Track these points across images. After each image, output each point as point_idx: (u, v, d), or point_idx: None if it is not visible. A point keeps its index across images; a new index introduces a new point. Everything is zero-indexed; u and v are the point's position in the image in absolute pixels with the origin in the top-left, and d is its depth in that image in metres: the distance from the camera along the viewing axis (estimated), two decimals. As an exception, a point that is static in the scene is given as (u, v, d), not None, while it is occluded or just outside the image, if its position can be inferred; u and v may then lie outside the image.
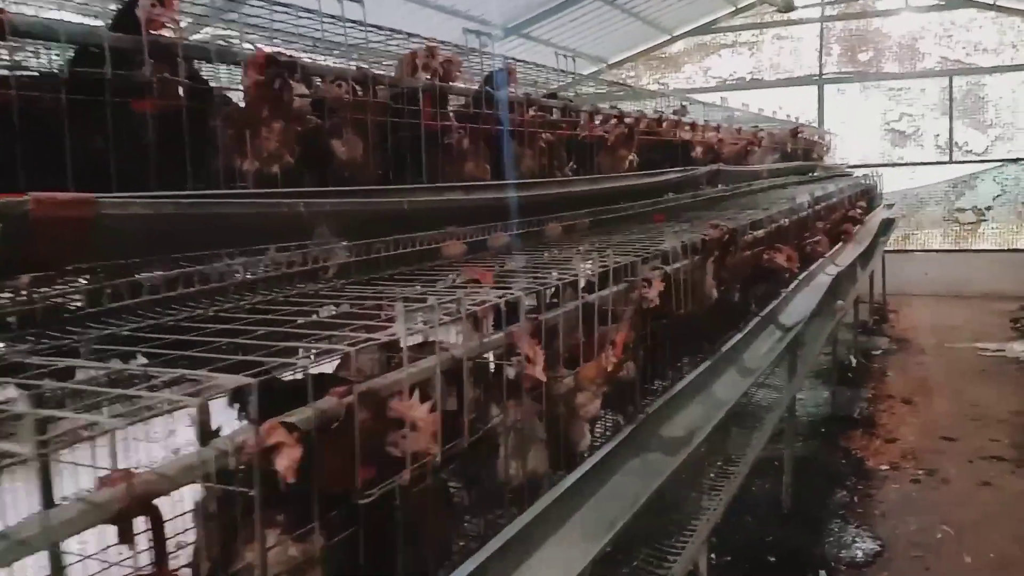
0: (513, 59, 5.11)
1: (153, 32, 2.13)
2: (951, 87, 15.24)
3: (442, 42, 3.27)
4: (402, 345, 1.47)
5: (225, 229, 1.91)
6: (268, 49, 2.20)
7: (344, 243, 2.21)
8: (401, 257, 2.55)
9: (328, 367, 1.81)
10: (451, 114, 3.29)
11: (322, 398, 1.38)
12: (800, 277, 5.33)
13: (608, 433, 2.61)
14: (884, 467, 6.92)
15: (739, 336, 3.82)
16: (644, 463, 2.51)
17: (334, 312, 1.76)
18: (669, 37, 16.97)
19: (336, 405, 1.36)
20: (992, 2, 14.50)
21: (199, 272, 1.81)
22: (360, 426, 1.44)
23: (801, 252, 4.73)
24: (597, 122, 4.87)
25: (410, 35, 2.93)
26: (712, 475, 3.49)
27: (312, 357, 1.38)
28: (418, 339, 1.89)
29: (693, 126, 6.43)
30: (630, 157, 4.77)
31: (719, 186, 6.22)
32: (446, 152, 3.10)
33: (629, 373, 2.78)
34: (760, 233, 4.23)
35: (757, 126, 8.59)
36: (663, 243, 2.99)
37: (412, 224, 2.84)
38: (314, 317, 1.70)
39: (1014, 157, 14.93)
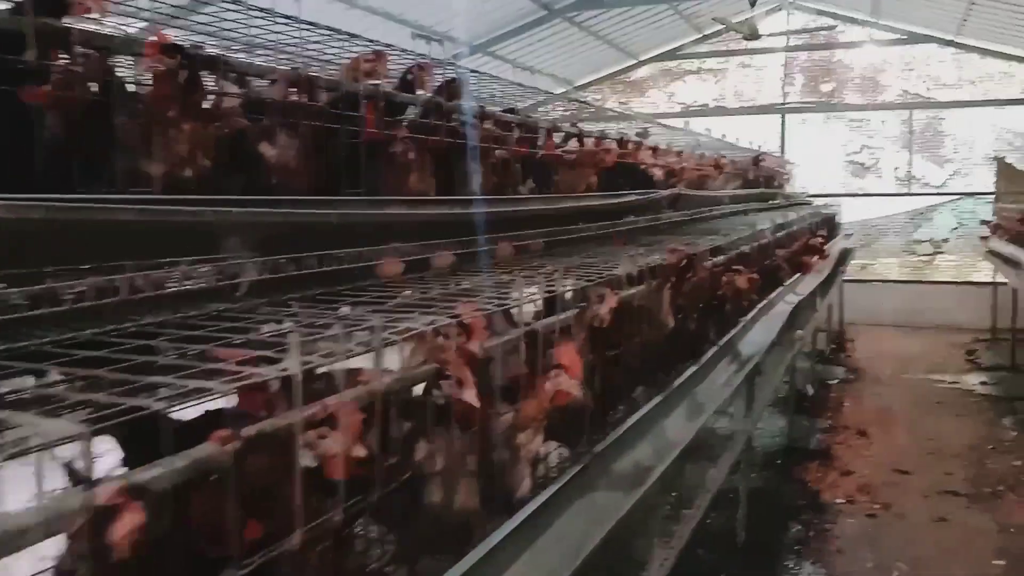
0: (474, 71, 4.96)
1: (82, 16, 1.92)
2: (911, 120, 15.43)
3: (392, 48, 3.07)
4: (295, 381, 1.26)
5: (114, 239, 1.68)
6: (172, 37, 1.97)
7: (258, 259, 1.99)
8: (329, 275, 2.33)
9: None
10: (399, 124, 3.09)
11: (201, 443, 1.16)
12: (760, 306, 5.20)
13: (553, 472, 2.40)
14: (840, 501, 6.80)
15: (695, 368, 3.65)
16: (591, 507, 2.31)
17: (231, 338, 1.53)
18: (635, 61, 16.99)
19: (216, 453, 1.14)
20: (951, 39, 14.71)
21: (81, 286, 1.58)
22: (249, 476, 1.22)
23: (761, 279, 4.60)
24: (558, 140, 4.71)
25: (352, 36, 2.72)
26: (664, 517, 3.30)
27: (177, 397, 1.16)
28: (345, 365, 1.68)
29: (655, 150, 6.30)
30: (590, 178, 4.60)
31: (680, 211, 6.09)
32: (389, 164, 2.90)
33: (578, 406, 2.59)
34: (720, 259, 4.08)
35: (720, 152, 8.51)
36: (617, 267, 2.81)
37: (348, 240, 2.63)
38: (212, 343, 1.48)
39: (970, 191, 15.12)
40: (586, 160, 4.62)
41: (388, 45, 2.92)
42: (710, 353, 3.98)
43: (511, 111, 4.52)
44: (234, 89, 2.59)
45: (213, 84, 2.32)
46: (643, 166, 5.97)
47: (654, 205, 5.37)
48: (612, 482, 2.45)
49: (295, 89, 2.45)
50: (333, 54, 2.85)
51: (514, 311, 2.11)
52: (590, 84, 17.16)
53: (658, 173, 6.34)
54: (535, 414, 2.05)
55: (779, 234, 6.18)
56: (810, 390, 10.09)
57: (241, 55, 2.70)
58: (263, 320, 1.74)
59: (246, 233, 1.96)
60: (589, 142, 4.91)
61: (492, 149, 3.69)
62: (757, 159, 9.97)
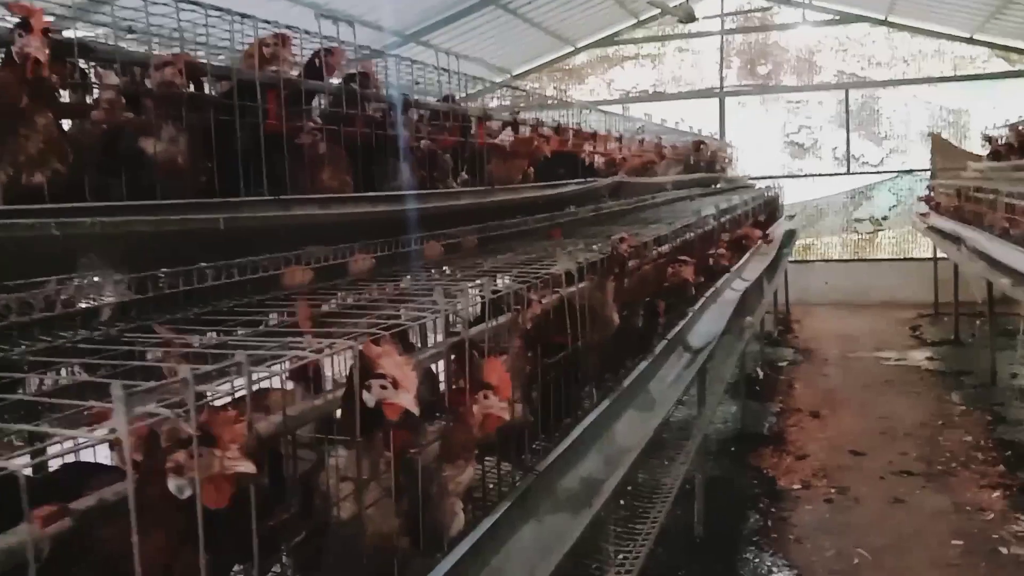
0: (407, 59, 4.64)
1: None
2: (847, 100, 15.51)
3: (301, 31, 2.77)
4: (126, 444, 0.98)
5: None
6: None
7: (120, 276, 1.69)
8: (219, 290, 2.04)
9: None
10: (306, 114, 2.79)
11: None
12: (707, 295, 5.00)
13: (492, 496, 2.14)
14: (796, 487, 6.69)
15: (644, 365, 3.42)
16: (537, 536, 2.06)
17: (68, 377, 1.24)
18: (572, 49, 16.79)
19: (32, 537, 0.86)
20: (884, 18, 14.81)
21: None
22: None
23: (708, 266, 4.41)
24: (493, 129, 4.45)
25: (244, 16, 2.41)
26: (619, 532, 3.07)
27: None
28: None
29: (595, 136, 6.08)
30: (526, 168, 4.35)
31: (622, 199, 5.88)
32: (296, 159, 2.60)
33: (517, 420, 2.33)
34: (665, 248, 3.87)
35: (660, 138, 8.34)
36: (554, 264, 2.56)
37: (248, 247, 2.32)
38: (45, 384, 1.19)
39: (907, 168, 15.26)
40: (521, 149, 4.36)
41: (289, 27, 2.61)
42: (660, 347, 3.76)
43: (448, 99, 4.25)
44: (112, 79, 2.28)
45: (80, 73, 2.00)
46: (582, 154, 5.74)
47: (594, 195, 5.14)
48: (559, 503, 2.21)
49: (178, 77, 2.14)
50: (228, 38, 2.53)
51: (436, 323, 1.85)
52: (528, 72, 16.91)
53: (599, 161, 6.12)
54: (463, 441, 1.79)
55: (723, 219, 6.00)
56: (760, 373, 10.03)
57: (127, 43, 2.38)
58: (113, 354, 1.43)
59: (109, 246, 1.66)
60: (524, 131, 4.65)
61: (417, 140, 3.41)
62: (697, 144, 9.82)
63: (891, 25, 15.03)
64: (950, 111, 15.26)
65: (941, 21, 14.28)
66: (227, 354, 1.35)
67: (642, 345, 3.72)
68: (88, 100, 2.08)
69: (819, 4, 15.25)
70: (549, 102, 9.39)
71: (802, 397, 9.16)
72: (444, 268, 2.68)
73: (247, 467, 1.07)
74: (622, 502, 4.17)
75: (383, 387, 1.44)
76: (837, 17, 15.34)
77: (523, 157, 4.35)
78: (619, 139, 6.85)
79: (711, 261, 4.87)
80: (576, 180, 5.03)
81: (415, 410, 1.45)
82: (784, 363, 10.75)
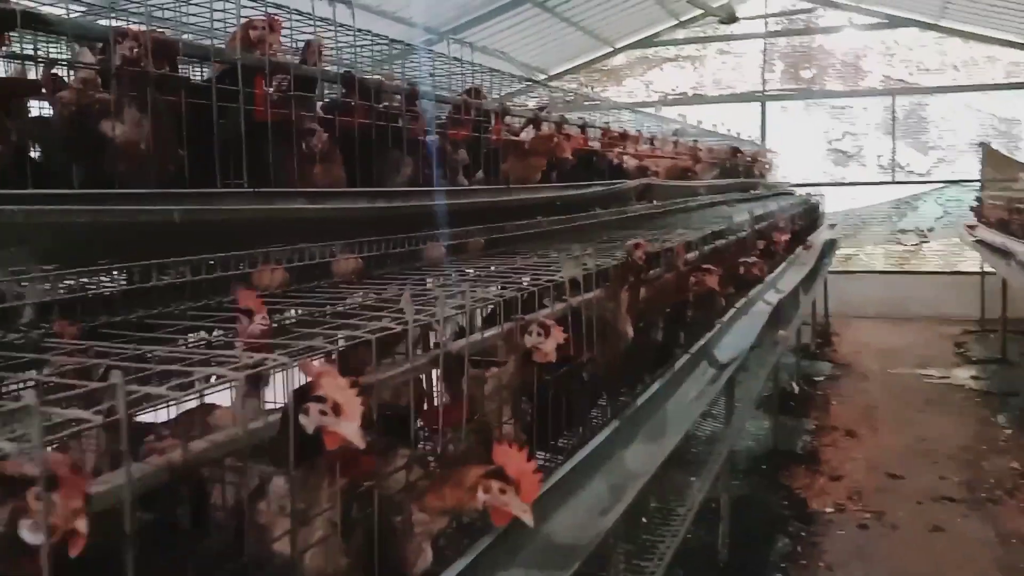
0: (444, 56, 4.43)
1: None
2: (894, 107, 15.02)
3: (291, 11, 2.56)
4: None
5: None
6: None
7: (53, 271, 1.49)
8: (176, 289, 1.83)
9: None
10: (304, 104, 2.58)
11: None
12: (737, 306, 4.72)
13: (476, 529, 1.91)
14: (829, 510, 6.36)
15: (660, 383, 3.16)
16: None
17: None
18: (611, 49, 16.51)
19: None
20: (934, 22, 14.31)
21: None
22: None
23: (738, 276, 4.13)
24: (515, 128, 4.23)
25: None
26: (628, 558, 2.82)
27: None
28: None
29: (624, 136, 5.82)
30: (544, 166, 4.11)
31: (651, 202, 5.61)
32: (284, 150, 2.39)
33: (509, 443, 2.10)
34: (691, 255, 3.60)
35: (696, 140, 8.04)
36: (562, 271, 2.32)
37: (229, 242, 2.12)
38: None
39: (955, 179, 14.73)
40: (540, 147, 4.13)
41: (280, 6, 2.41)
42: (681, 362, 3.50)
43: (471, 93, 4.03)
44: (88, 57, 2.10)
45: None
46: (610, 155, 5.49)
47: (621, 197, 4.89)
48: (547, 544, 1.96)
49: (141, 53, 1.94)
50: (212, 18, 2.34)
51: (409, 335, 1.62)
52: (565, 73, 16.65)
53: (629, 163, 5.86)
54: (445, 501, 1.55)
55: (757, 226, 5.70)
56: (795, 388, 9.66)
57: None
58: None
59: (36, 238, 1.46)
60: (547, 128, 4.42)
61: (426, 134, 3.19)
62: (735, 150, 9.49)
63: (941, 30, 14.52)
64: (1002, 120, 14.70)
65: (995, 26, 13.75)
66: (139, 368, 1.14)
67: (662, 359, 3.46)
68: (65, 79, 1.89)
69: (866, 7, 14.79)
70: (580, 102, 9.15)
71: (839, 414, 8.79)
72: (440, 272, 2.45)
73: (81, 526, 0.86)
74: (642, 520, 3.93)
75: (322, 412, 1.22)
76: (885, 21, 14.86)
77: (542, 155, 4.12)
78: (651, 141, 6.58)
79: (742, 270, 4.59)
80: (601, 182, 4.77)
81: (359, 442, 1.22)
82: (821, 377, 10.36)
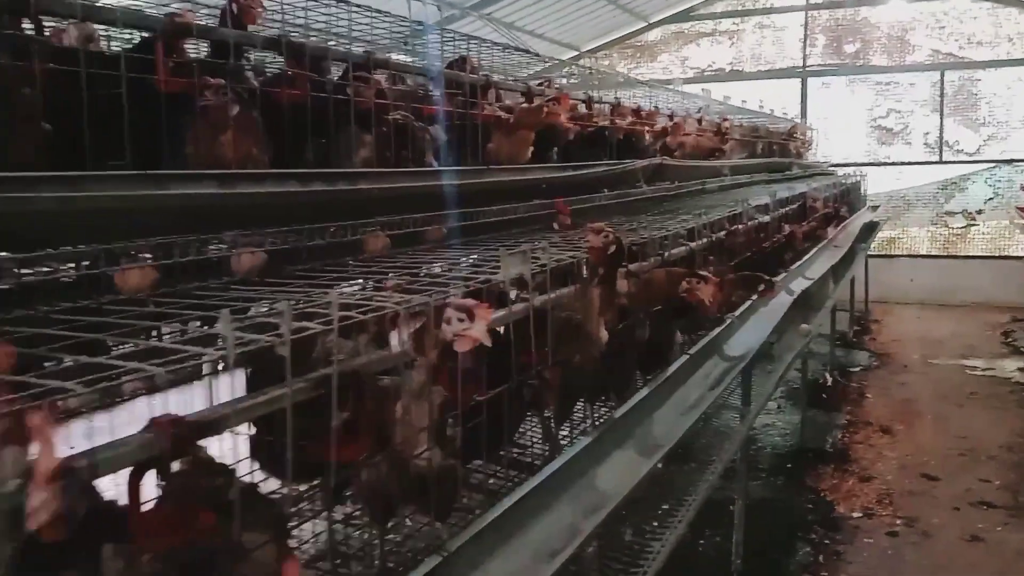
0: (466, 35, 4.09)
1: None
2: (942, 82, 14.26)
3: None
4: None
5: None
6: None
7: None
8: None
9: None
10: (231, 75, 2.25)
11: None
12: (753, 298, 4.31)
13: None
14: (856, 514, 5.93)
15: (647, 390, 2.79)
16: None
17: None
18: (645, 24, 15.95)
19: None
20: (988, -9, 13.53)
21: None
22: None
23: (747, 276, 3.71)
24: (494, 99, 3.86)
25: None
26: None
27: None
28: None
29: (637, 112, 5.41)
30: (532, 142, 3.74)
31: (665, 183, 5.20)
32: (184, 124, 2.07)
33: (433, 472, 1.78)
34: (683, 250, 3.21)
35: (725, 117, 7.56)
36: (501, 270, 1.96)
37: (112, 233, 1.80)
38: None
39: (1008, 158, 13.96)
40: (527, 120, 3.75)
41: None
42: (675, 366, 3.12)
43: (458, 64, 3.68)
44: None
45: None
46: (619, 131, 5.09)
47: (628, 178, 4.49)
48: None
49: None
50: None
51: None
52: (597, 50, 16.15)
53: (647, 141, 5.45)
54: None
55: (781, 211, 5.25)
56: (828, 379, 9.18)
57: None
58: None
59: None
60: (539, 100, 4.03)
61: (386, 110, 2.84)
62: (755, 128, 8.97)
63: (995, 0, 13.71)
64: (1059, 95, 13.88)
65: (1054, -5, 12.95)
66: None
67: (653, 363, 3.09)
68: None
69: (916, -23, 14.06)
70: (620, 80, 8.70)
71: (873, 408, 8.30)
72: (365, 269, 2.10)
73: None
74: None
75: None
76: (935, -9, 14.10)
77: (529, 129, 3.74)
78: (671, 117, 6.15)
79: (758, 261, 4.16)
80: (604, 162, 4.38)
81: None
82: (857, 368, 9.85)
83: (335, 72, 2.96)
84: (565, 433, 2.55)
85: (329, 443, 1.59)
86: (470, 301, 1.66)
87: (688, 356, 3.29)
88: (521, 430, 2.77)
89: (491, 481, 2.24)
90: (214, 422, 1.25)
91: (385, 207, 2.62)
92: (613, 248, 2.26)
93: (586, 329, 2.35)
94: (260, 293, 1.72)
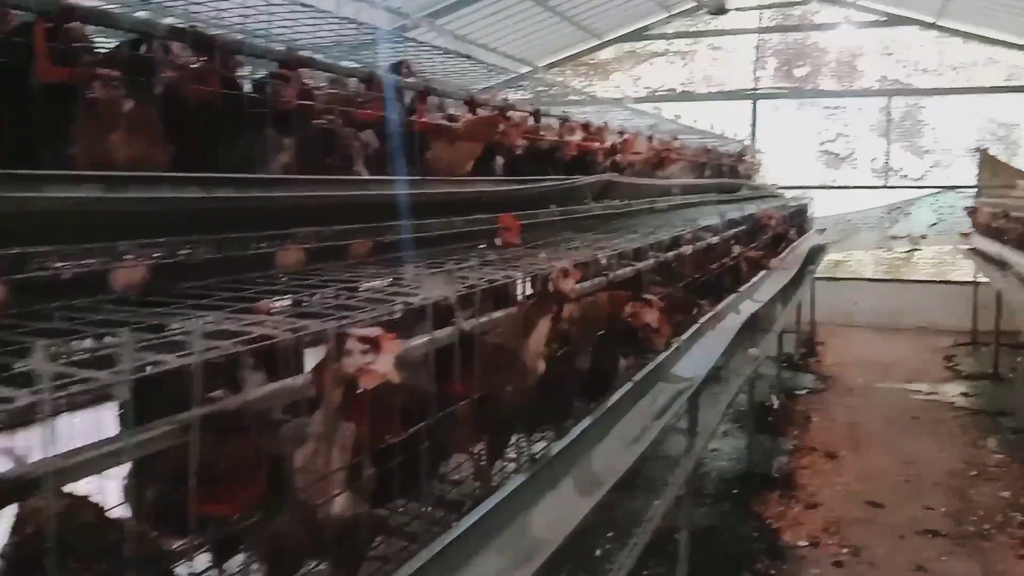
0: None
1: None
2: (889, 108, 14.47)
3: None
4: None
5: None
6: None
7: None
8: None
9: None
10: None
11: None
12: (701, 321, 4.16)
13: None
14: (803, 543, 5.81)
15: (589, 420, 2.60)
16: None
17: None
18: (599, 42, 15.90)
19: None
20: (933, 21, 13.75)
21: None
22: None
23: (687, 302, 3.56)
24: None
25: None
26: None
27: None
28: None
29: (586, 127, 5.24)
30: (479, 154, 3.54)
31: (614, 201, 5.03)
32: (65, 119, 1.82)
33: (341, 519, 1.55)
34: (629, 271, 3.03)
35: (675, 136, 7.46)
36: (421, 291, 1.75)
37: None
38: None
39: (951, 184, 14.19)
40: (478, 132, 3.55)
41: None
42: (619, 395, 2.93)
43: (401, 68, 3.48)
44: None
45: None
46: (569, 147, 4.91)
47: (574, 195, 4.31)
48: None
49: None
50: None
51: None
52: (551, 66, 16.04)
53: (595, 158, 5.28)
54: None
55: (730, 232, 5.13)
56: (775, 402, 9.12)
57: None
58: None
59: None
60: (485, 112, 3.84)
61: (309, 113, 2.61)
62: (706, 148, 8.92)
63: (941, 29, 13.96)
64: (1000, 124, 14.16)
65: (996, 26, 13.19)
66: None
67: (596, 390, 2.90)
68: None
69: (863, 4, 14.21)
70: (573, 98, 8.54)
71: (819, 433, 8.24)
72: (255, 290, 1.87)
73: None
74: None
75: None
76: (883, 18, 14.28)
77: (477, 141, 3.53)
78: (620, 134, 6.00)
79: (700, 287, 4.01)
80: (550, 177, 4.20)
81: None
82: (803, 391, 9.82)
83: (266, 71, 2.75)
84: (513, 461, 2.34)
85: (212, 494, 1.36)
86: (375, 330, 1.45)
87: (633, 383, 3.10)
88: (452, 464, 2.54)
89: (412, 525, 2.01)
90: (25, 482, 1.01)
91: (307, 218, 2.39)
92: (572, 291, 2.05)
93: (520, 358, 2.15)
94: (134, 315, 1.47)
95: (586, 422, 2.63)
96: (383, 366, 1.41)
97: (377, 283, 2.01)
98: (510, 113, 4.06)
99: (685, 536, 4.81)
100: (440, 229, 2.98)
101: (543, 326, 2.07)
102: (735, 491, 6.69)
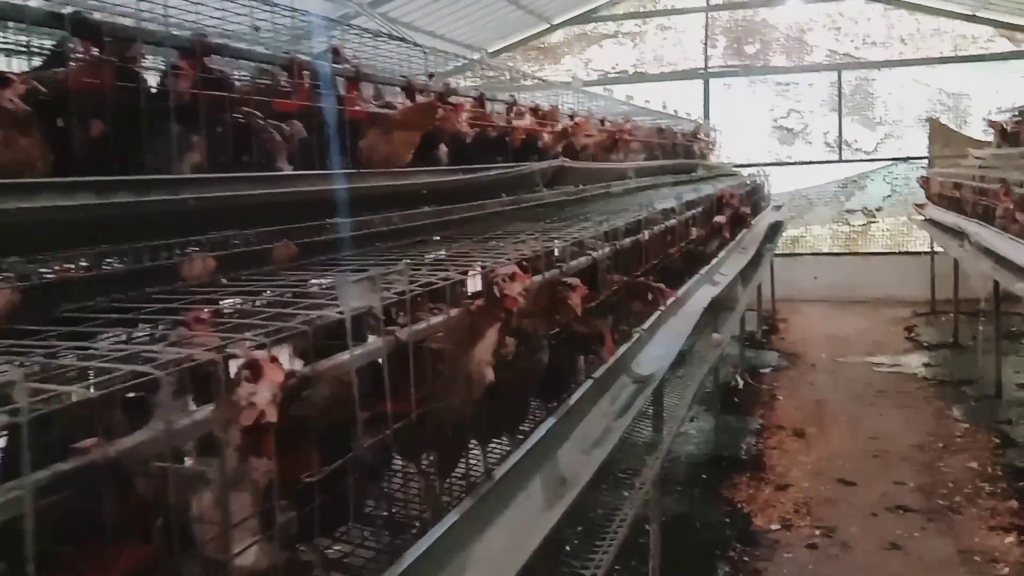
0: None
1: None
2: (840, 82, 14.47)
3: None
4: None
5: None
6: None
7: None
8: None
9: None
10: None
11: None
12: (663, 307, 3.98)
13: None
14: (775, 527, 5.71)
15: (549, 424, 2.40)
16: None
17: None
18: (548, 26, 15.70)
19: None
20: (880, -7, 13.77)
21: None
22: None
23: (641, 286, 3.39)
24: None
25: None
26: None
27: None
28: None
29: (535, 111, 5.05)
30: (417, 143, 3.32)
31: (566, 187, 4.84)
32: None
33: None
34: (584, 260, 2.83)
35: (628, 117, 7.28)
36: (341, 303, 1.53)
37: None
38: None
39: (903, 156, 14.24)
40: (417, 120, 3.32)
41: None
42: (578, 394, 2.74)
43: (330, 52, 3.25)
44: None
45: None
46: (518, 132, 4.71)
47: (525, 182, 4.11)
48: None
49: None
50: None
51: None
52: (501, 51, 15.81)
53: (545, 142, 5.08)
54: None
55: (688, 213, 4.96)
56: (740, 382, 9.03)
57: None
58: None
59: None
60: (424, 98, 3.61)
61: (222, 105, 2.37)
62: (659, 129, 8.77)
63: (888, 2, 13.99)
64: (950, 95, 14.24)
65: (941, -3, 13.26)
66: None
67: (553, 392, 2.70)
68: None
69: (811, -22, 14.20)
70: (527, 83, 8.32)
71: (785, 411, 8.17)
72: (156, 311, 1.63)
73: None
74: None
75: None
76: (830, -7, 14.28)
77: (415, 129, 3.31)
78: (571, 117, 5.81)
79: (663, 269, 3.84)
80: (499, 164, 3.99)
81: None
82: (767, 369, 9.75)
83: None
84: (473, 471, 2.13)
85: (87, 561, 1.13)
86: (258, 354, 1.23)
87: (593, 380, 2.91)
88: (402, 481, 2.35)
89: (350, 556, 1.80)
90: None
91: (222, 222, 2.16)
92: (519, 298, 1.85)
93: (466, 368, 1.94)
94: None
95: (543, 429, 2.43)
96: (260, 399, 1.19)
97: (286, 292, 1.79)
98: (452, 99, 3.83)
99: (656, 530, 4.66)
100: (379, 225, 2.76)
101: (490, 335, 1.87)
102: (704, 476, 6.57)
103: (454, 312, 1.96)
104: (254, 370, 1.20)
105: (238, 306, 1.63)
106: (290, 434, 1.42)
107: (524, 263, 2.05)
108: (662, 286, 3.64)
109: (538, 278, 2.48)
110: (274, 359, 1.22)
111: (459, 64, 6.52)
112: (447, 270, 2.00)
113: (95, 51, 2.05)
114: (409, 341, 1.82)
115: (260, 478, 1.33)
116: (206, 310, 1.49)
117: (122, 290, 1.76)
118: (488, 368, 1.98)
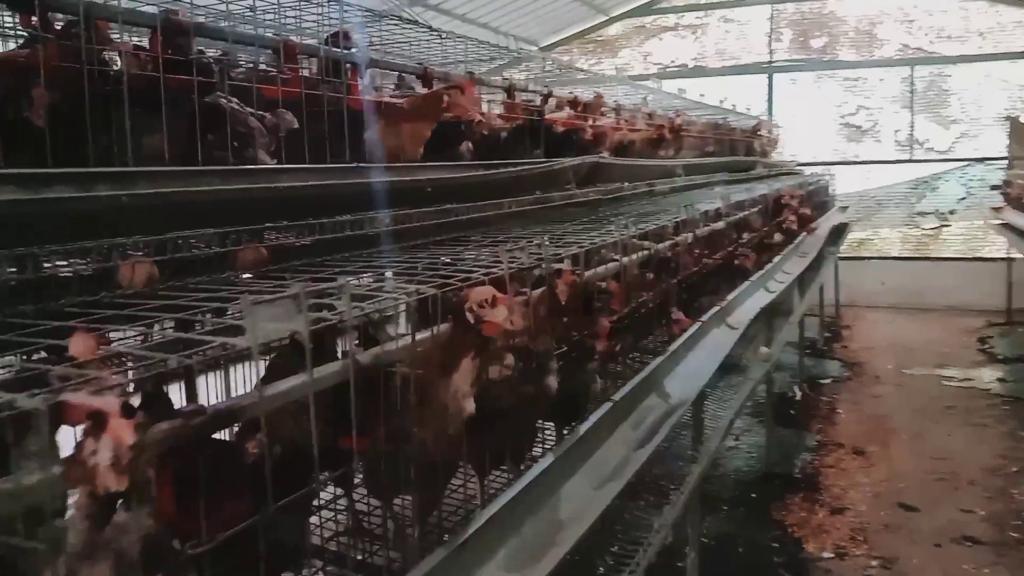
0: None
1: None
2: (912, 77, 13.74)
3: None
4: None
5: None
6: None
7: None
8: None
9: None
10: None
11: None
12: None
13: None
14: (828, 555, 5.28)
15: (550, 459, 2.09)
16: None
17: None
18: (606, 18, 15.31)
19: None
20: (957, -17, 13.02)
21: None
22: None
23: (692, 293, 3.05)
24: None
25: None
26: None
27: None
28: None
29: (574, 103, 4.73)
30: (428, 135, 3.04)
31: (622, 184, 4.50)
32: None
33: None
34: (605, 270, 2.50)
35: (677, 111, 6.89)
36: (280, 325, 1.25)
37: None
38: None
39: (980, 156, 13.46)
40: (426, 110, 3.05)
41: None
42: (596, 418, 2.42)
43: (336, 36, 2.99)
44: None
45: None
46: (557, 127, 4.41)
47: (555, 179, 3.79)
48: None
49: None
50: None
51: None
52: (556, 45, 15.47)
53: (584, 136, 4.76)
54: None
55: (732, 217, 4.57)
56: (797, 392, 8.56)
57: None
58: None
59: None
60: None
61: (191, 90, 2.12)
62: (715, 124, 8.33)
63: (966, -7, 13.23)
64: (1032, 92, 13.40)
65: (1025, -13, 12.46)
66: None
67: (566, 417, 2.39)
68: None
69: (883, -31, 13.51)
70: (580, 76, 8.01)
71: (845, 426, 7.67)
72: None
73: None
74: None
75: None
76: (904, -17, 13.56)
77: (426, 121, 3.03)
78: (616, 109, 5.47)
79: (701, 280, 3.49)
80: (526, 160, 3.68)
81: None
82: (827, 380, 9.23)
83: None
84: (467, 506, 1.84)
85: None
86: (105, 400, 0.96)
87: (612, 402, 2.59)
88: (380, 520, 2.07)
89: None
90: None
91: (176, 221, 1.90)
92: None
93: (441, 399, 1.65)
94: None
95: (547, 460, 2.12)
96: (101, 459, 0.92)
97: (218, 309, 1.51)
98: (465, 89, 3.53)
99: (693, 559, 4.30)
100: (366, 228, 2.48)
101: (465, 366, 1.57)
102: (753, 495, 6.17)
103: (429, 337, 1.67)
104: (97, 422, 0.94)
105: (131, 330, 1.35)
106: (184, 489, 1.14)
107: (498, 280, 1.74)
108: (679, 314, 3.28)
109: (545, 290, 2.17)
110: (127, 407, 0.95)
111: (512, 58, 6.25)
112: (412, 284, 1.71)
113: (36, 25, 1.82)
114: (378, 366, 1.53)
115: (129, 546, 1.05)
116: (90, 334, 1.22)
117: (54, 298, 1.52)
118: (467, 400, 1.68)
